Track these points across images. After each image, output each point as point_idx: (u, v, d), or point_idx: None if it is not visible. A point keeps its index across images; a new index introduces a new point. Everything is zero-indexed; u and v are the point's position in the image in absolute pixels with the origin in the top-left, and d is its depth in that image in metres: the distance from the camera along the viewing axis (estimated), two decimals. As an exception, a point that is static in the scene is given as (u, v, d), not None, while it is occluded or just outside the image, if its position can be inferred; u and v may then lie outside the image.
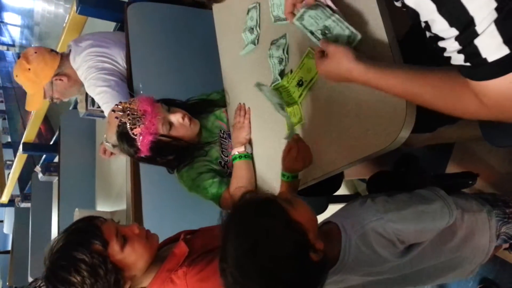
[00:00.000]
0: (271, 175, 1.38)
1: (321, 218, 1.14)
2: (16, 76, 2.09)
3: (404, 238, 1.00)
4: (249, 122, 1.47)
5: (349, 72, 0.93)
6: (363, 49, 1.00)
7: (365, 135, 1.02)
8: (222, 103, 1.64)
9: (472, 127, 1.29)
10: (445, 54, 0.67)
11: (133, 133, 1.38)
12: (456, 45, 0.63)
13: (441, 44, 0.66)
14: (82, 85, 2.08)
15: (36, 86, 2.07)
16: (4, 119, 9.41)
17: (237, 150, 1.44)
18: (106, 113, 1.87)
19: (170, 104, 1.48)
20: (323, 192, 1.61)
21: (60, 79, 2.07)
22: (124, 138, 1.41)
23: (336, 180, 1.59)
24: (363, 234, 1.00)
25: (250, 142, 1.46)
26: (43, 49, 2.10)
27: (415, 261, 1.06)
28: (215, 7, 1.68)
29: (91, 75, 1.94)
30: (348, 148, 1.08)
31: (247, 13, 1.45)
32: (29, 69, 2.02)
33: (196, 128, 1.49)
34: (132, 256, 1.08)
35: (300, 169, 1.20)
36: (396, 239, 0.99)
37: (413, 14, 0.67)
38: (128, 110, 1.38)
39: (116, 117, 1.38)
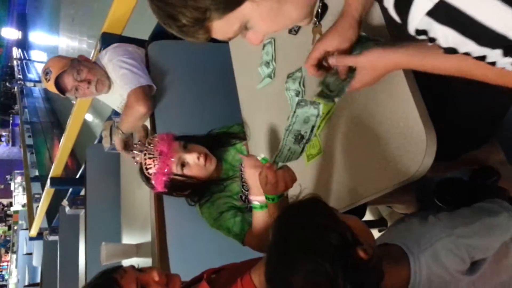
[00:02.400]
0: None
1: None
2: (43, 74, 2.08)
3: (475, 253, 0.95)
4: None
5: (389, 68, 0.91)
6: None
7: (387, 166, 1.03)
8: (242, 135, 1.66)
9: (495, 151, 1.28)
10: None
11: (148, 173, 1.45)
12: (506, 60, 0.64)
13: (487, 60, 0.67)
14: (107, 76, 2.07)
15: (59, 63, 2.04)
16: (32, 153, 9.68)
17: (256, 199, 1.33)
18: (125, 94, 1.90)
19: (189, 141, 1.52)
20: None
21: (85, 59, 2.08)
22: (142, 174, 1.48)
23: (361, 208, 1.58)
24: (434, 253, 0.94)
25: None
26: None
27: (481, 279, 0.99)
28: (232, 41, 1.73)
29: (115, 57, 1.97)
30: (371, 179, 1.08)
31: (263, 48, 1.50)
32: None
33: (212, 167, 1.51)
34: None
35: (284, 190, 1.15)
36: (467, 256, 0.94)
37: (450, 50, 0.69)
38: (145, 150, 1.44)
39: (133, 157, 1.45)
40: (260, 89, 1.53)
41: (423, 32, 0.68)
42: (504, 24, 0.58)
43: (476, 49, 0.64)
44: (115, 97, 2.19)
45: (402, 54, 0.86)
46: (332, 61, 0.97)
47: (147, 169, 1.45)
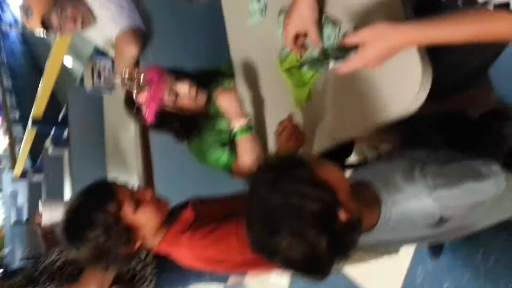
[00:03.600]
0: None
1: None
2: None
3: (446, 213, 0.95)
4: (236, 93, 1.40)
5: (398, 41, 0.86)
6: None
7: (379, 101, 1.02)
8: (231, 74, 1.63)
9: (489, 92, 1.27)
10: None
11: (138, 101, 1.41)
12: None
13: None
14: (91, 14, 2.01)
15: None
16: (11, 95, 9.41)
17: (238, 123, 1.36)
18: (113, 35, 1.89)
19: (179, 74, 1.48)
20: (335, 158, 1.60)
21: None
22: (130, 104, 1.44)
23: (348, 147, 1.57)
24: (406, 210, 0.95)
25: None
26: None
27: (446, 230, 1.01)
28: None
29: None
30: (361, 115, 1.07)
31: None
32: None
33: (202, 100, 1.49)
34: (144, 218, 1.14)
35: (294, 150, 1.19)
36: (438, 215, 0.95)
37: None
38: (136, 78, 1.39)
39: (124, 84, 1.40)
40: (250, 25, 1.47)
41: None
42: None
43: None
44: (100, 33, 2.11)
45: (414, 25, 0.83)
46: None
47: (137, 96, 1.40)
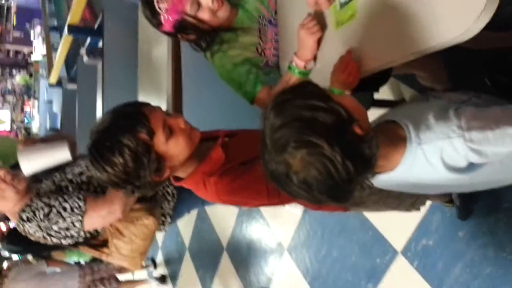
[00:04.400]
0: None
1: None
2: None
3: (476, 159, 0.88)
4: (320, 33, 1.25)
5: None
6: None
7: (431, 24, 0.92)
8: None
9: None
10: None
11: (158, 7, 1.33)
12: None
13: None
14: None
15: None
16: (50, 2, 9.40)
17: (297, 63, 1.27)
18: None
19: None
20: (369, 87, 1.51)
21: None
22: (148, 7, 1.36)
23: (384, 73, 1.47)
24: (434, 150, 0.89)
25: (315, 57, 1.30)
26: None
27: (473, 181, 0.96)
28: None
29: None
30: (408, 38, 0.98)
31: None
32: None
33: (224, 15, 1.40)
34: (175, 149, 1.09)
35: (352, 86, 1.12)
36: (468, 159, 0.88)
37: None
38: None
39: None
40: None
41: None
42: None
43: None
44: None
45: None
46: None
47: (158, 2, 1.32)
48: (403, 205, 1.34)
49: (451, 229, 1.76)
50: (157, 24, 1.38)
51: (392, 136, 0.92)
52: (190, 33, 1.41)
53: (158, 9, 1.34)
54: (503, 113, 0.90)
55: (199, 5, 1.35)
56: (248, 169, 1.15)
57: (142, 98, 2.83)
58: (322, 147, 0.76)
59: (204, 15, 1.37)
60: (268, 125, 0.81)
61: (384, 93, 2.10)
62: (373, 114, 1.09)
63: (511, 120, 0.87)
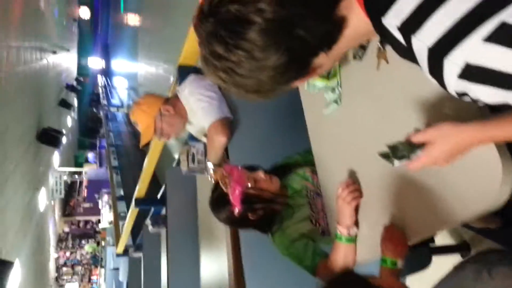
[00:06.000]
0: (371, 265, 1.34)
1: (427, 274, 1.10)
2: (132, 113, 2.40)
3: None
4: (357, 201, 1.36)
5: (463, 144, 0.88)
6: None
7: (458, 197, 1.02)
8: (304, 163, 1.74)
9: None
10: None
11: (225, 190, 1.55)
12: None
13: None
14: (185, 121, 2.36)
15: (148, 117, 2.31)
16: (117, 174, 10.34)
17: (341, 231, 1.36)
18: (206, 125, 2.18)
19: (252, 169, 1.64)
20: (423, 242, 1.56)
21: (167, 110, 2.30)
22: (217, 202, 1.59)
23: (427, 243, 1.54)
24: None
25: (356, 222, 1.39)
26: None
27: None
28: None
29: (195, 91, 2.23)
30: (440, 212, 1.07)
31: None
32: (142, 103, 2.35)
33: (277, 183, 1.62)
34: None
35: (403, 254, 1.17)
36: None
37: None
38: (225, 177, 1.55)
39: (217, 183, 1.55)
40: (327, 115, 1.55)
41: (464, 94, 0.69)
42: None
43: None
44: (194, 124, 2.40)
45: (479, 126, 0.83)
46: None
47: (225, 187, 1.55)
48: None
49: None
50: (229, 210, 1.56)
51: None
52: (257, 204, 1.56)
53: (225, 192, 1.54)
54: None
55: (255, 180, 1.57)
56: None
57: (204, 263, 2.92)
58: None
59: (262, 184, 1.58)
60: None
61: (443, 236, 2.08)
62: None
63: None
